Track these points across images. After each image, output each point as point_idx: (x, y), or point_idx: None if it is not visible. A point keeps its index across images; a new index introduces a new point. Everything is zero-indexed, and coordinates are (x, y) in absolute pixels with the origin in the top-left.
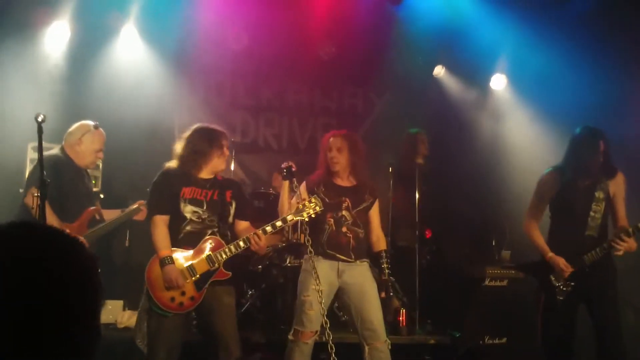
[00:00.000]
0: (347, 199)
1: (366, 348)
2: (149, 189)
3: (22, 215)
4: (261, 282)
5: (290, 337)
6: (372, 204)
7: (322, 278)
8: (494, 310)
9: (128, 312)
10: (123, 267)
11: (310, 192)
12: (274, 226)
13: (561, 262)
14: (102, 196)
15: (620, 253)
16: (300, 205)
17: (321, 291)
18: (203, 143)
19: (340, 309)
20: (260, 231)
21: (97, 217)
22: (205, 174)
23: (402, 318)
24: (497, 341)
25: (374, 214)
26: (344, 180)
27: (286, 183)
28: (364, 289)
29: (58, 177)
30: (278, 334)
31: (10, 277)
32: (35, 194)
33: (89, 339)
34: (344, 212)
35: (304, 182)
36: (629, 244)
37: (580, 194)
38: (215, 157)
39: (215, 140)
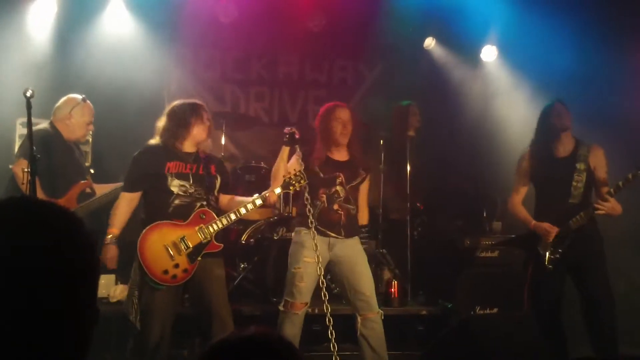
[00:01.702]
0: (342, 174)
1: (359, 319)
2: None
3: (11, 189)
4: (253, 255)
5: (280, 307)
6: (364, 179)
7: (310, 249)
8: (485, 281)
9: (120, 286)
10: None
11: (305, 163)
12: (263, 198)
13: (545, 224)
14: (92, 171)
15: (603, 212)
16: (287, 179)
17: (318, 257)
18: (182, 114)
19: (333, 282)
20: (252, 203)
21: (89, 191)
22: (187, 146)
23: (394, 289)
24: (488, 311)
25: (364, 189)
26: (340, 155)
27: (286, 149)
28: (355, 260)
29: (47, 152)
30: (270, 307)
31: (6, 253)
32: (26, 169)
33: (88, 316)
34: (337, 188)
35: (299, 152)
36: (612, 204)
37: (560, 165)
38: (194, 126)
39: (194, 111)
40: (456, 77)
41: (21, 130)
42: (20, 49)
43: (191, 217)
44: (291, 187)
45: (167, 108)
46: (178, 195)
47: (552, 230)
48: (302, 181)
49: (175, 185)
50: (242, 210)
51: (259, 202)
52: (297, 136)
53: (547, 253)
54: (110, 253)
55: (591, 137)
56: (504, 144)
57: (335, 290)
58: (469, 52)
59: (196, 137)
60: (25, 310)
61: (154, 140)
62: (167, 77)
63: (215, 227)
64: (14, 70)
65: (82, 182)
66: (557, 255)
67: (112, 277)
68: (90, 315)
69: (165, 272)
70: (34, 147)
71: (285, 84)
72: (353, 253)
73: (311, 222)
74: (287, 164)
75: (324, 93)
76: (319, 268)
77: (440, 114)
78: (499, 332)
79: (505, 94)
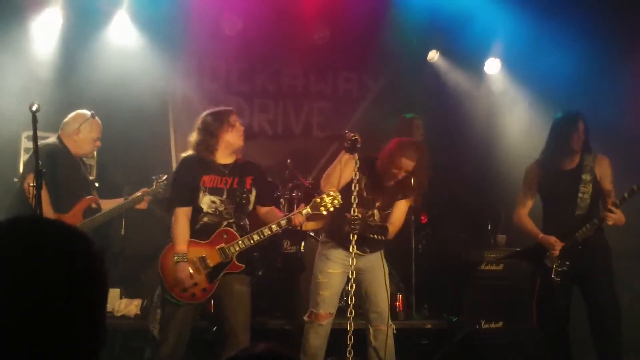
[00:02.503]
0: (382, 199)
1: (370, 330)
2: (168, 180)
3: (17, 202)
4: (258, 269)
5: (305, 318)
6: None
7: (335, 262)
8: (490, 294)
9: (125, 301)
10: (119, 255)
11: (361, 170)
12: (289, 220)
13: (552, 238)
14: (97, 184)
15: (610, 223)
16: (318, 199)
17: (334, 274)
18: (211, 124)
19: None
20: (275, 225)
21: (94, 206)
22: (222, 157)
23: (398, 303)
24: (493, 325)
25: (399, 207)
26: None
27: (345, 156)
28: (375, 272)
29: (54, 167)
30: (276, 320)
31: (18, 272)
32: (32, 184)
33: (96, 333)
34: (374, 212)
35: (358, 158)
36: (617, 215)
37: (567, 178)
38: (226, 133)
39: (222, 117)
40: (460, 90)
41: (26, 144)
42: (25, 61)
43: (213, 236)
44: (322, 208)
45: (197, 121)
46: (207, 213)
47: (558, 244)
48: (335, 202)
49: (206, 202)
50: (267, 232)
51: (284, 222)
52: (358, 144)
53: (555, 266)
54: (182, 272)
55: (595, 148)
56: (508, 156)
57: (340, 303)
58: (472, 65)
59: (230, 145)
60: (36, 329)
61: (190, 152)
62: (171, 90)
63: (237, 248)
64: (18, 83)
65: (88, 197)
66: (565, 268)
67: (117, 291)
68: (100, 335)
69: (184, 290)
70: (40, 162)
71: (290, 96)
72: (374, 265)
73: (351, 229)
74: (343, 171)
75: (328, 105)
76: (351, 284)
77: (444, 126)
78: (503, 345)
79: (508, 106)
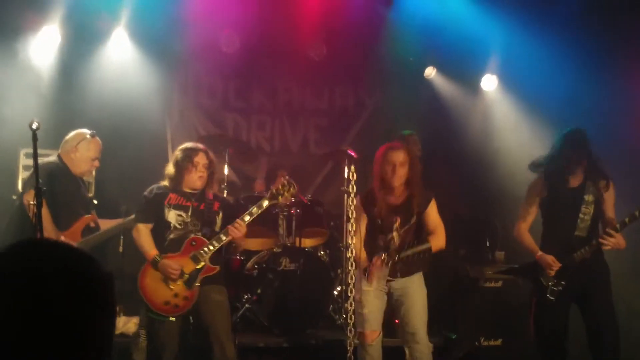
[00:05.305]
0: (398, 218)
1: (406, 350)
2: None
3: (17, 220)
4: (256, 286)
5: (356, 340)
6: (421, 212)
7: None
8: (489, 311)
9: (123, 318)
10: (117, 273)
11: (365, 210)
12: (251, 214)
13: (549, 258)
14: (95, 202)
15: (608, 248)
16: (274, 190)
17: (370, 292)
18: (179, 160)
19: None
20: (240, 220)
21: (93, 225)
22: (187, 189)
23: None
24: (492, 342)
25: (428, 215)
26: (397, 197)
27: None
28: (409, 291)
29: (53, 185)
30: (273, 338)
31: (27, 295)
32: (32, 202)
33: (102, 356)
34: (394, 234)
35: (358, 197)
36: (617, 239)
37: (569, 197)
38: (186, 174)
39: (189, 156)
40: (457, 106)
41: (25, 161)
42: (24, 78)
43: (183, 246)
44: (280, 197)
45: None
46: (174, 228)
47: (555, 264)
48: (292, 189)
49: (172, 217)
50: (231, 229)
51: (247, 218)
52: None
53: (550, 284)
54: (167, 265)
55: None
56: (505, 172)
57: (338, 322)
58: (469, 81)
59: (190, 184)
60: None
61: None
62: (169, 106)
63: (207, 251)
64: (17, 100)
65: (87, 216)
66: (560, 288)
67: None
68: (108, 352)
69: (167, 302)
70: (40, 180)
71: (287, 113)
72: (408, 285)
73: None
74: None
75: (325, 122)
76: (350, 302)
77: (440, 143)
78: None
79: (505, 122)
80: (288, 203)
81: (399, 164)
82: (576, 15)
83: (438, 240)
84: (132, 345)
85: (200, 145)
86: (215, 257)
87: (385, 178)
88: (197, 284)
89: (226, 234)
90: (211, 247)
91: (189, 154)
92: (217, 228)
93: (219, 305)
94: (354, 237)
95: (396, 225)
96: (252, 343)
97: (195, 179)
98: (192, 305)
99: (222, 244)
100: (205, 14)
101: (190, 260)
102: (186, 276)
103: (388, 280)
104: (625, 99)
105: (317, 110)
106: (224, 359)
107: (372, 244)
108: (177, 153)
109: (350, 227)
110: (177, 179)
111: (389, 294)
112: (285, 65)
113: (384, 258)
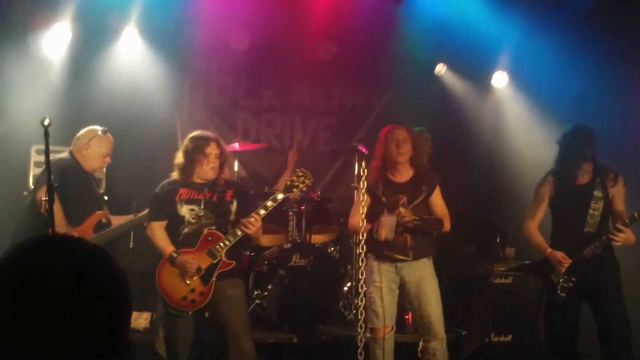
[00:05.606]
0: (404, 196)
1: (421, 343)
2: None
3: (30, 216)
4: (266, 283)
5: (367, 335)
6: (429, 194)
7: (380, 274)
8: (499, 307)
9: (134, 314)
10: (127, 269)
11: (369, 191)
12: (266, 207)
13: (559, 254)
14: (106, 198)
15: (618, 244)
16: (288, 182)
17: (382, 287)
18: (190, 150)
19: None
20: (255, 214)
21: (104, 221)
22: (199, 180)
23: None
24: (502, 339)
25: (434, 200)
26: (402, 175)
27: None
28: (422, 283)
29: (65, 181)
30: (283, 334)
31: (42, 292)
32: (44, 198)
33: (118, 354)
34: (400, 210)
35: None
36: (627, 234)
37: (578, 193)
38: (198, 164)
39: (200, 146)
40: (467, 103)
41: (36, 157)
42: (35, 75)
43: (199, 242)
44: (295, 189)
45: (184, 141)
46: (188, 222)
47: (565, 261)
48: (306, 181)
49: (185, 212)
50: (247, 224)
51: (262, 212)
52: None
53: (560, 281)
54: (185, 261)
55: (601, 160)
56: (515, 168)
57: (348, 318)
58: (479, 78)
59: (202, 175)
60: (57, 350)
61: (173, 175)
62: (179, 104)
63: (223, 246)
64: (28, 97)
65: (99, 212)
66: (570, 284)
67: None
68: (123, 356)
69: (184, 298)
70: (52, 176)
71: (296, 112)
72: (421, 276)
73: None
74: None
75: (335, 120)
76: (361, 297)
77: (451, 140)
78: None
79: (516, 119)
80: (298, 199)
81: (402, 140)
82: (588, 13)
83: (446, 223)
84: (155, 338)
85: (210, 134)
86: (232, 252)
87: (390, 155)
88: (213, 279)
89: (242, 229)
90: (227, 242)
91: (200, 144)
92: (232, 217)
93: (235, 300)
94: (361, 222)
95: (401, 202)
96: (262, 339)
97: (207, 170)
98: (208, 301)
99: (237, 239)
100: (215, 13)
101: (207, 255)
102: (203, 271)
103: (400, 261)
104: (637, 98)
105: (327, 109)
106: (241, 354)
107: (376, 221)
108: (187, 142)
109: (361, 222)
110: (188, 169)
111: (402, 286)
112: (296, 64)
113: (402, 200)
